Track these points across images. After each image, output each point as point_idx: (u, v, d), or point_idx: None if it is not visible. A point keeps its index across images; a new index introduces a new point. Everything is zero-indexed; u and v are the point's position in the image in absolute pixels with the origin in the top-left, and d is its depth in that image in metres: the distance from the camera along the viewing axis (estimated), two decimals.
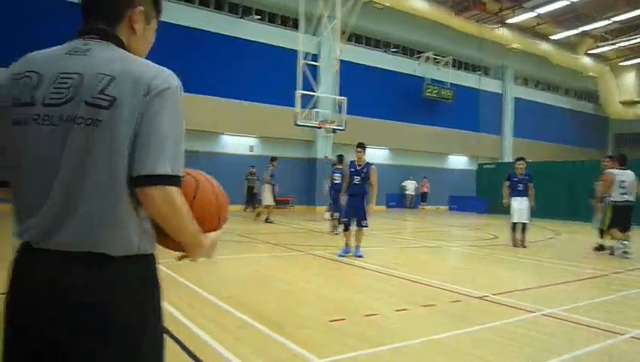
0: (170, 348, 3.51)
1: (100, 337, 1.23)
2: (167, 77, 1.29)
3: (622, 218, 9.18)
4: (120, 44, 1.37)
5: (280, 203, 19.57)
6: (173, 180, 1.25)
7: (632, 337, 4.08)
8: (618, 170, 9.35)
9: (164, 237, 1.38)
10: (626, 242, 9.21)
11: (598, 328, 4.30)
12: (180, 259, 1.47)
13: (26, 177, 1.26)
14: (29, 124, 1.25)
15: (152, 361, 1.36)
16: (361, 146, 8.42)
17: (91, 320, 1.22)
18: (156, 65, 1.32)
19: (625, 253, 9.12)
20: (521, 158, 10.68)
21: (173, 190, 1.25)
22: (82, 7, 1.38)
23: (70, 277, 1.22)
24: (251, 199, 18.90)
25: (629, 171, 9.29)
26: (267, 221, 14.58)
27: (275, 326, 4.09)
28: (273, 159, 14.85)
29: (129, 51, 1.37)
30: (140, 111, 1.23)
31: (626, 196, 9.14)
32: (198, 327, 3.94)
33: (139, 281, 1.30)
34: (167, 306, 4.50)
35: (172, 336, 3.71)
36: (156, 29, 1.52)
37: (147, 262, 1.34)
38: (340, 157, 12.19)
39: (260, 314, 4.43)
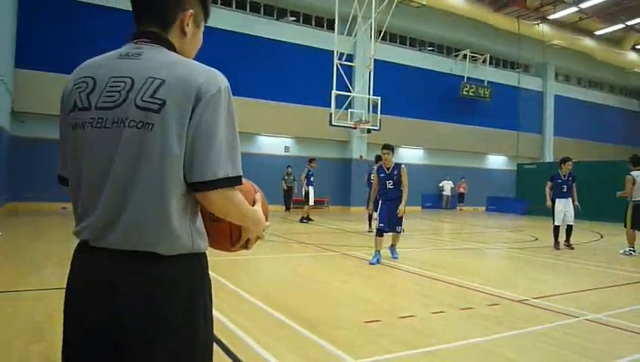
0: None
1: (148, 337, 1.25)
2: (216, 80, 1.30)
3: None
4: (171, 47, 1.38)
5: (315, 203, 19.64)
6: (234, 181, 1.29)
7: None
8: (636, 172, 9.69)
9: (212, 241, 1.47)
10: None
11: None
12: (235, 250, 1.55)
13: (83, 179, 1.31)
14: (85, 128, 1.29)
15: (202, 361, 1.37)
16: (389, 148, 7.88)
17: (139, 320, 1.25)
18: (206, 67, 1.33)
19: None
20: (568, 159, 10.40)
21: (231, 191, 1.30)
22: (134, 11, 1.40)
23: (118, 276, 1.25)
24: (288, 199, 18.97)
25: None
26: (302, 220, 14.75)
27: (312, 326, 4.10)
28: (311, 160, 14.97)
29: (180, 54, 1.39)
30: (190, 115, 1.24)
31: None
32: (236, 326, 4.00)
33: (188, 281, 1.33)
34: None
35: None
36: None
37: (198, 261, 1.36)
38: (379, 158, 12.18)
39: (297, 314, 4.46)
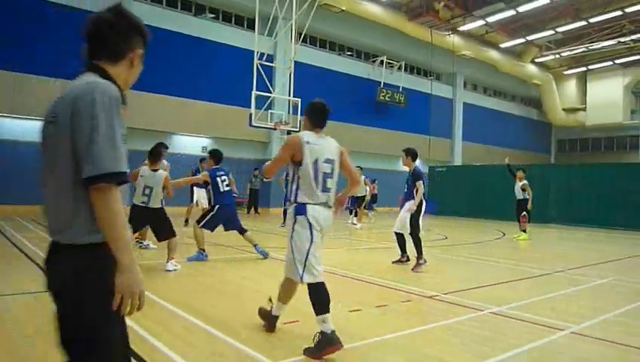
0: None
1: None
2: (87, 92, 1.55)
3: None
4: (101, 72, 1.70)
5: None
6: (112, 177, 1.51)
7: (572, 332, 4.27)
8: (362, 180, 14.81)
9: None
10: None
11: (542, 324, 4.48)
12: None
13: None
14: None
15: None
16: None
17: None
18: (85, 82, 1.61)
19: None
20: None
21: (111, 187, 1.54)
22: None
23: None
24: (255, 202, 21.02)
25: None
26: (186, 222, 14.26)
27: (228, 329, 4.02)
28: (202, 160, 14.09)
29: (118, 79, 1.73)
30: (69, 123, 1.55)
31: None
32: (146, 332, 3.82)
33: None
34: None
35: None
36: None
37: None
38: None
39: (212, 318, 4.35)
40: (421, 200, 7.67)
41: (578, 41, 30.28)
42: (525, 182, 12.93)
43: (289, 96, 19.27)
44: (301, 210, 3.61)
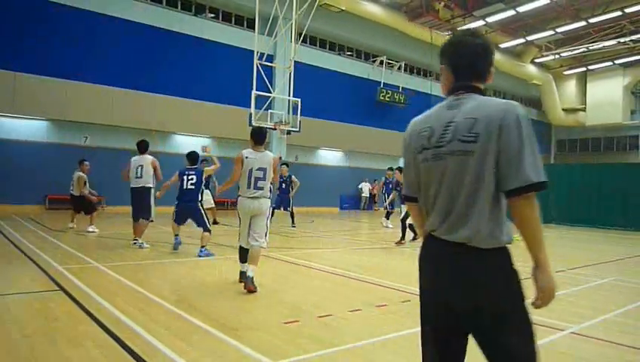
0: (119, 355, 3.39)
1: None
2: (511, 112, 1.74)
3: None
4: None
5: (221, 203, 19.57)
6: (537, 187, 1.68)
7: (572, 332, 4.28)
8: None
9: None
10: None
11: (542, 324, 4.47)
12: None
13: (430, 195, 1.92)
14: (428, 161, 1.89)
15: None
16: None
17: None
18: (502, 102, 1.80)
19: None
20: None
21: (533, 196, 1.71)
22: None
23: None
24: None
25: None
26: (214, 223, 14.33)
27: (228, 329, 4.02)
28: (204, 160, 14.15)
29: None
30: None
31: None
32: (146, 331, 3.82)
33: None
34: (114, 311, 4.35)
35: (121, 343, 3.59)
36: None
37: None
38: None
39: (213, 318, 4.35)
40: None
41: (578, 41, 30.27)
42: None
43: (289, 96, 19.27)
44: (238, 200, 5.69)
